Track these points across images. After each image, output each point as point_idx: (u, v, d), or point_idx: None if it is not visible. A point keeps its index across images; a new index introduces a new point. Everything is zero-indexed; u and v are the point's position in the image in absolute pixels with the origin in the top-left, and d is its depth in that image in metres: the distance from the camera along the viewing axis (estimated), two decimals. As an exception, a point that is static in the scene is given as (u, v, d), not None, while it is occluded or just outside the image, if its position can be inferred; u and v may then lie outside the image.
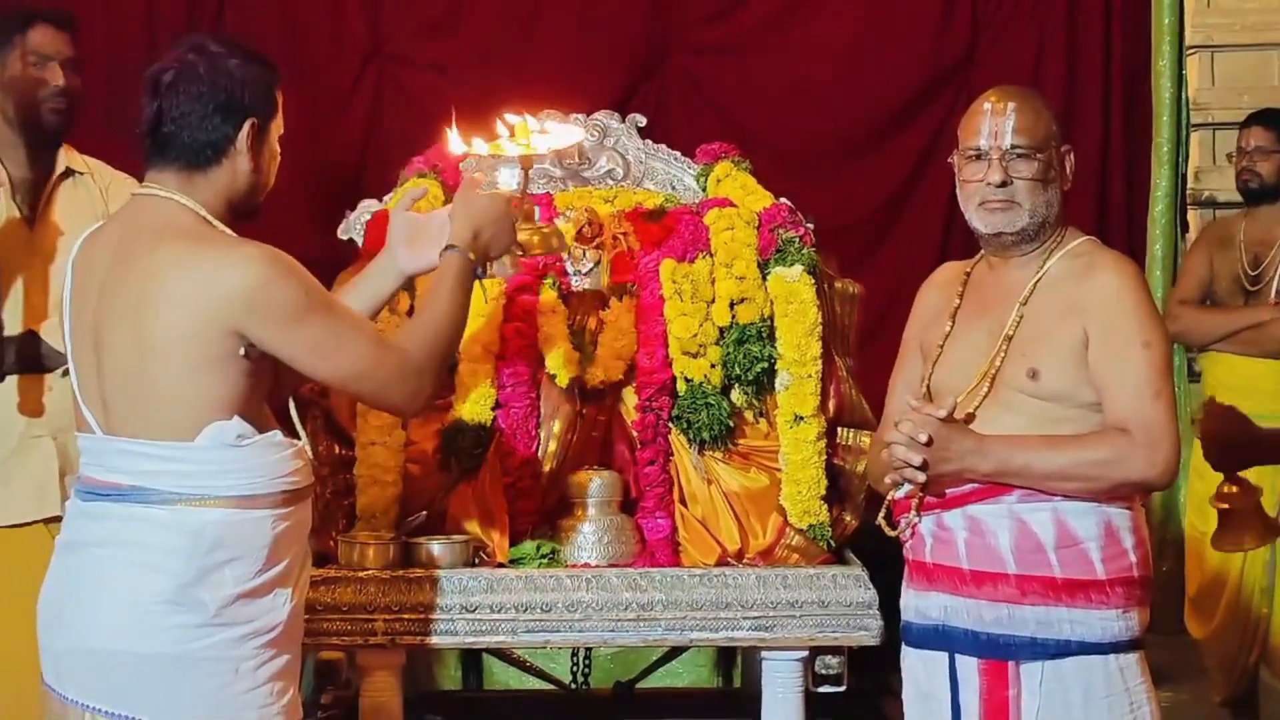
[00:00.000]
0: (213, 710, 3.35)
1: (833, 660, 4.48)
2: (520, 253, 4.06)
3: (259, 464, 3.38)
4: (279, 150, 3.63)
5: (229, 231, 3.45)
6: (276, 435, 3.43)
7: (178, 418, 3.34)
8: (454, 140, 4.13)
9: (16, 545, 4.62)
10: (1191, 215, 7.01)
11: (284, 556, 3.44)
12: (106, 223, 3.58)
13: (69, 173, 4.85)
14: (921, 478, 3.69)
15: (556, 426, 4.72)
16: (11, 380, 4.65)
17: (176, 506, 3.34)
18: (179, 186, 3.45)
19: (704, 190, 5.18)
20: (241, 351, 3.33)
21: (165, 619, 3.31)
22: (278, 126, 3.60)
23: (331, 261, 5.22)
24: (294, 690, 3.50)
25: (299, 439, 3.51)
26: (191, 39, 3.57)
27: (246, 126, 3.47)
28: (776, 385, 4.67)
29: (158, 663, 3.32)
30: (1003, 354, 3.73)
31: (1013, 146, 3.74)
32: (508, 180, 4.01)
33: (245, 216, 3.57)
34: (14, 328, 4.63)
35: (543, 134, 4.14)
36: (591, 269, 4.86)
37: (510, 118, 4.14)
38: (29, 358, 4.62)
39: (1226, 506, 4.51)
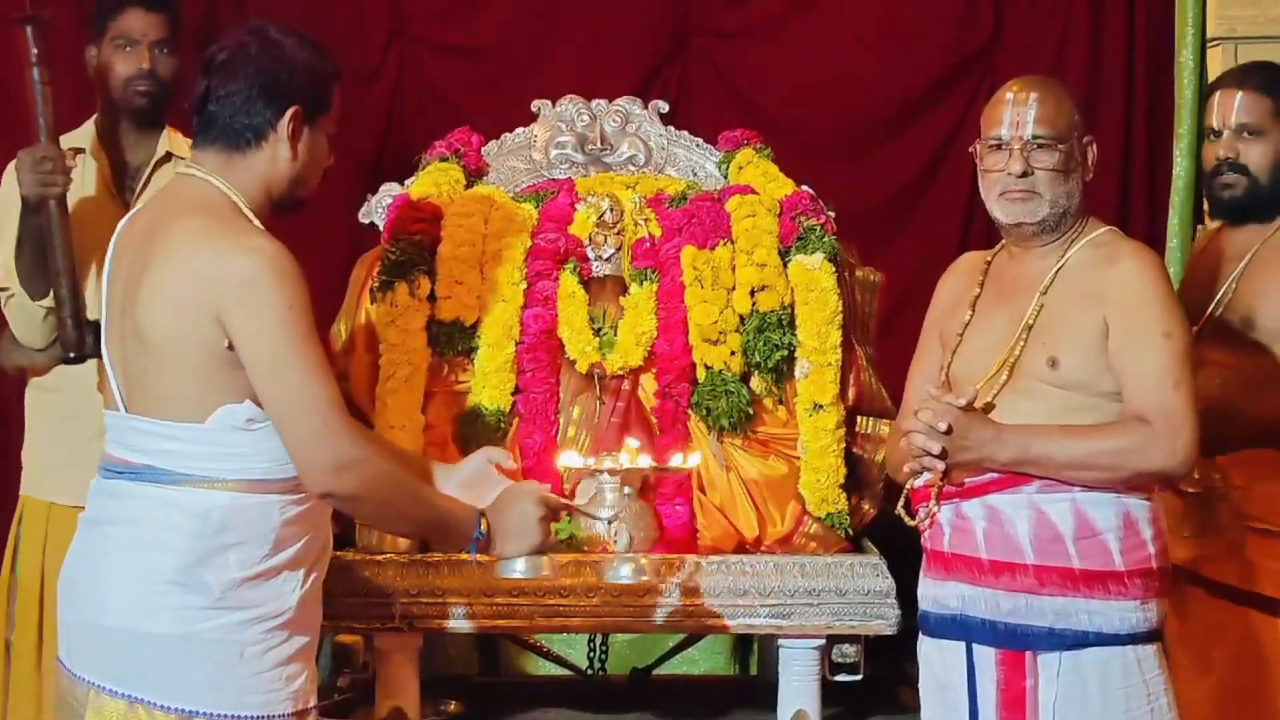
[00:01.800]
0: (216, 693, 3.34)
1: (849, 649, 4.48)
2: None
3: (269, 449, 3.35)
4: (328, 152, 3.59)
5: (255, 221, 3.43)
6: None
7: (188, 399, 3.33)
8: (568, 456, 4.10)
9: None
10: (1212, 208, 6.98)
11: (294, 542, 3.42)
12: (148, 202, 3.58)
13: (169, 157, 4.88)
14: (940, 466, 3.70)
15: (575, 412, 4.73)
16: (93, 365, 4.68)
17: (185, 487, 3.34)
18: (218, 168, 3.44)
19: (726, 177, 5.18)
20: (225, 344, 3.29)
21: (169, 599, 3.31)
22: (328, 124, 3.56)
23: (352, 244, 5.24)
24: (307, 674, 3.48)
25: None
26: (254, 23, 3.57)
27: (289, 113, 3.44)
28: (796, 373, 4.68)
29: (163, 642, 3.31)
30: (1022, 343, 3.74)
31: (1034, 137, 3.74)
32: (584, 492, 3.97)
33: (286, 209, 3.55)
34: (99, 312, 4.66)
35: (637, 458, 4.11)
36: (612, 255, 4.86)
37: (632, 442, 4.13)
38: None
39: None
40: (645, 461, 4.11)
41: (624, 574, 3.99)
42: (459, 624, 4.42)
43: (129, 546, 3.36)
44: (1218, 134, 4.52)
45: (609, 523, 4.00)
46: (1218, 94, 4.56)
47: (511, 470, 3.96)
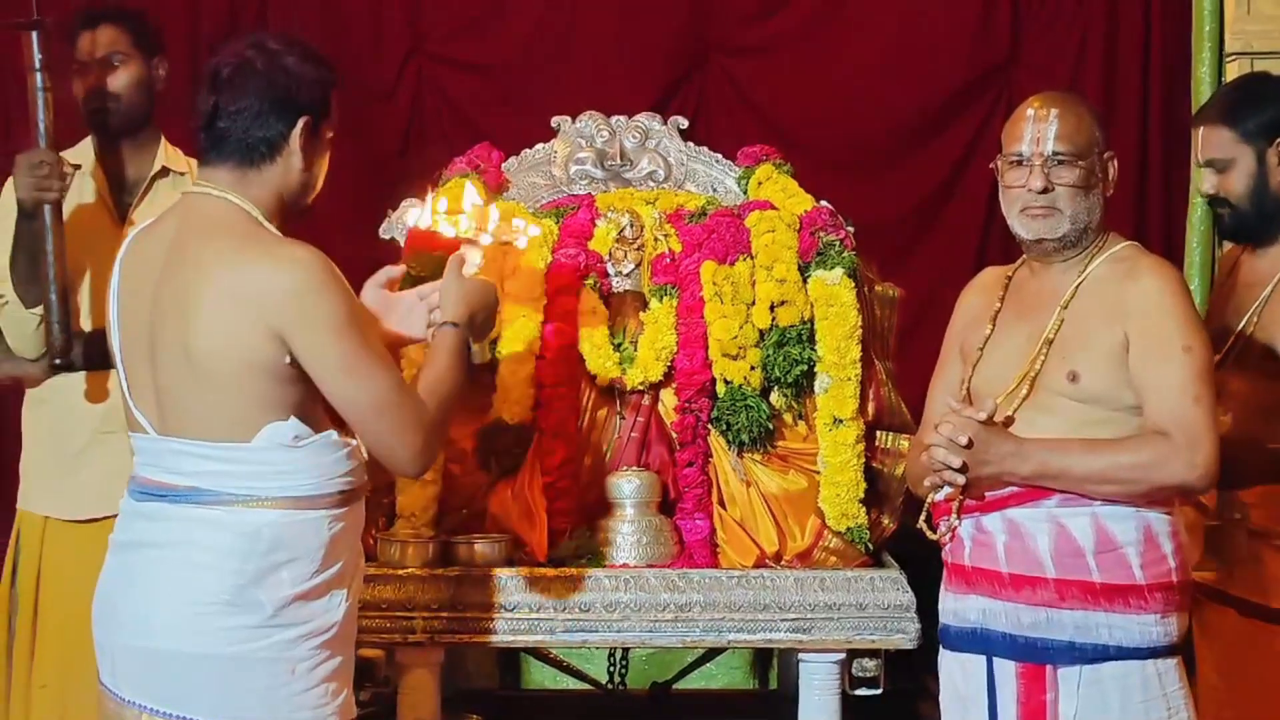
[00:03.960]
0: (268, 710, 3.36)
1: (870, 663, 4.49)
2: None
3: (315, 464, 3.38)
4: (329, 153, 3.62)
5: (277, 233, 3.44)
6: (332, 435, 3.42)
7: (233, 418, 3.34)
8: (424, 215, 4.04)
9: (84, 540, 4.66)
10: (1230, 222, 6.95)
11: (340, 557, 3.45)
12: (157, 221, 3.56)
13: (165, 171, 4.90)
14: (961, 480, 3.70)
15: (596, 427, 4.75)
16: (81, 376, 4.71)
17: (233, 507, 3.35)
18: (231, 184, 3.44)
19: (745, 193, 5.19)
20: (287, 359, 3.32)
21: (222, 620, 3.32)
22: (330, 128, 3.58)
23: (373, 260, 5.25)
24: (348, 690, 3.50)
25: (354, 439, 3.50)
26: (252, 36, 3.56)
27: (300, 124, 3.45)
28: (816, 388, 4.69)
29: (214, 663, 3.32)
30: (1043, 357, 3.74)
31: (1055, 153, 3.74)
32: (472, 262, 3.97)
33: (296, 216, 3.56)
34: (101, 322, 4.68)
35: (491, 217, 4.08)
36: (632, 270, 4.88)
37: (470, 193, 4.09)
38: (96, 355, 4.67)
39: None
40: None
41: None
42: (480, 638, 4.43)
43: (176, 570, 3.36)
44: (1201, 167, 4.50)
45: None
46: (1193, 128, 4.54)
47: (397, 274, 4.07)
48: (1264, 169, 4.36)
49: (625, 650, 5.39)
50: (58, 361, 4.63)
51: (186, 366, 3.33)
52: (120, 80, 4.82)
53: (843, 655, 4.47)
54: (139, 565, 3.43)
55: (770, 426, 4.69)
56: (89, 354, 4.68)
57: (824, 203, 4.97)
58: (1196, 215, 6.39)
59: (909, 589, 4.44)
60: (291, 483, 3.36)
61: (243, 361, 3.30)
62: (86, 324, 4.74)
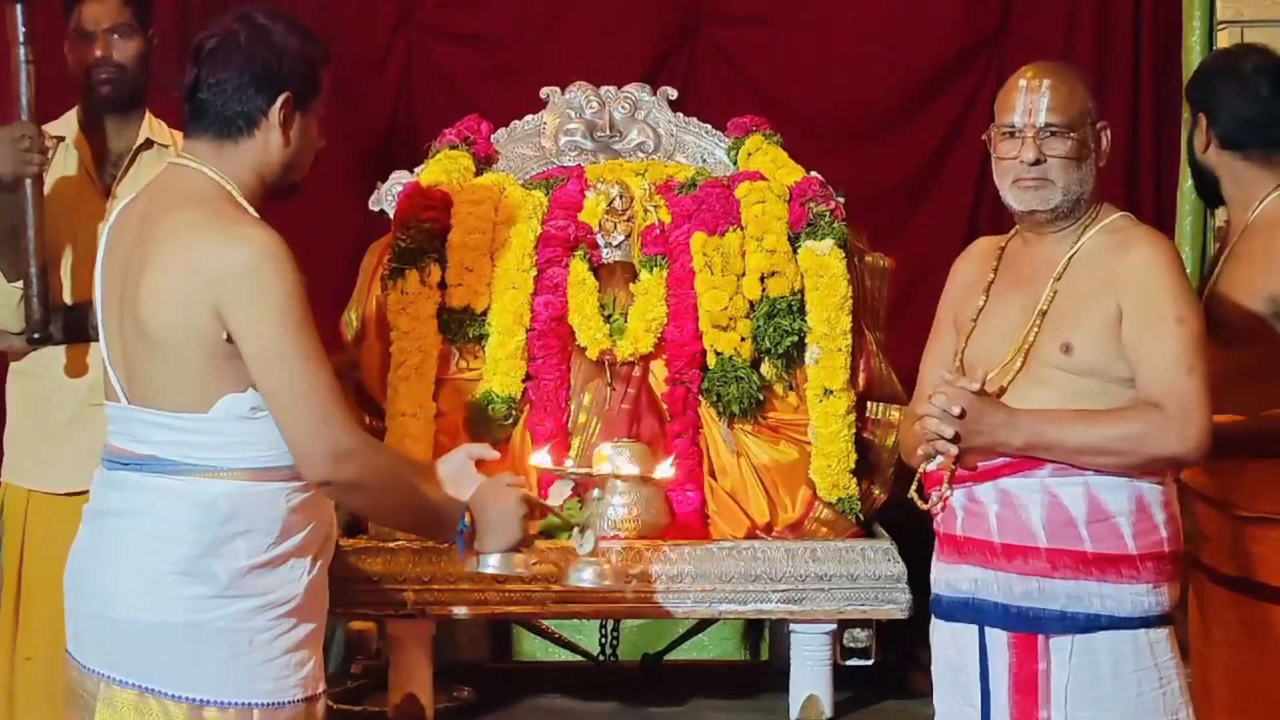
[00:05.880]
0: (227, 681, 3.34)
1: (861, 633, 4.49)
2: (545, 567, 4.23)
3: (273, 437, 3.33)
4: (319, 136, 3.57)
5: (250, 209, 3.41)
6: None
7: (191, 389, 3.32)
8: (539, 456, 4.12)
9: (68, 513, 4.64)
10: (1220, 193, 6.95)
11: (300, 529, 3.42)
12: (140, 192, 3.56)
13: (149, 144, 4.89)
14: (953, 450, 3.69)
15: (586, 399, 4.75)
16: (62, 350, 4.71)
17: (190, 478, 3.33)
18: (210, 157, 3.43)
19: (735, 163, 5.18)
20: (224, 336, 3.28)
21: (178, 589, 3.31)
22: (318, 108, 3.54)
23: (363, 232, 5.25)
24: (315, 661, 3.47)
25: None
26: (240, 10, 3.54)
27: (281, 99, 3.42)
28: (806, 359, 4.69)
29: (171, 632, 3.31)
30: (1036, 328, 3.73)
31: (1047, 124, 3.73)
32: (558, 493, 4.00)
33: (280, 194, 3.54)
34: (83, 296, 4.67)
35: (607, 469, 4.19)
36: (622, 242, 4.86)
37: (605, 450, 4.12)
38: (76, 327, 4.66)
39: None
40: (611, 468, 4.17)
41: (585, 577, 3.92)
42: (471, 610, 4.43)
43: (136, 538, 3.36)
44: None
45: (580, 530, 3.92)
46: None
47: (493, 462, 3.96)
48: (1192, 139, 4.52)
49: (616, 621, 5.38)
50: (36, 335, 4.63)
51: (142, 337, 3.33)
52: (126, 51, 4.83)
53: (834, 626, 4.48)
54: (104, 534, 3.43)
55: (761, 397, 4.70)
56: (68, 328, 4.68)
57: (814, 173, 4.96)
58: (1188, 184, 6.38)
59: (900, 559, 4.45)
60: (249, 454, 3.34)
61: (189, 335, 3.29)
62: (71, 297, 4.73)
